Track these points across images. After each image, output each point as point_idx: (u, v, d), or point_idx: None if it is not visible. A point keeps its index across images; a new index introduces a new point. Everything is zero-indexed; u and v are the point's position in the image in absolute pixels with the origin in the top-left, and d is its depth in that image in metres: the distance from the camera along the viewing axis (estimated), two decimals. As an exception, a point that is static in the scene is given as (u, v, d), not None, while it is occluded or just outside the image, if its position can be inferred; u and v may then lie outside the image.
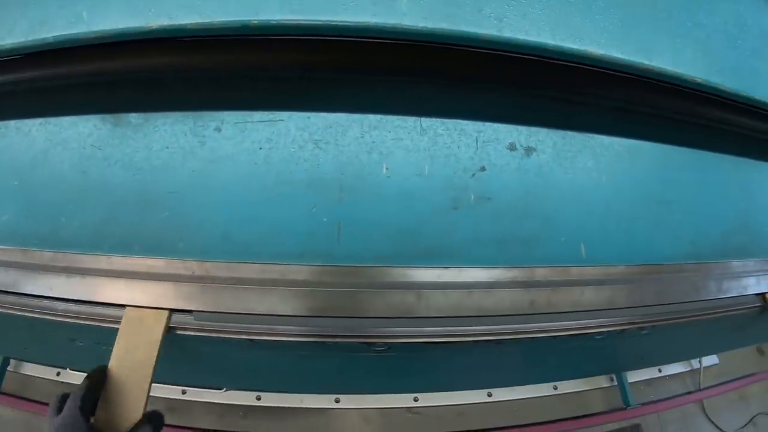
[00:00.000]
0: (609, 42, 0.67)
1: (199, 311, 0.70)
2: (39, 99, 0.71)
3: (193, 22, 0.58)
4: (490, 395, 1.70)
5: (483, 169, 0.75)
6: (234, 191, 0.70)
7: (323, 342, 0.72)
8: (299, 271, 0.71)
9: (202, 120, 0.71)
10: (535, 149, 0.78)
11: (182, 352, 0.80)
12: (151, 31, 0.58)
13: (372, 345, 0.75)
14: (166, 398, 1.34)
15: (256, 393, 1.48)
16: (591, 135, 0.82)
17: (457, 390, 1.65)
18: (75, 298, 0.70)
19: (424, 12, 0.59)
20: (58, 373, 1.29)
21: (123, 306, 0.70)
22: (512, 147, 0.77)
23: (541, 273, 0.78)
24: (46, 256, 0.70)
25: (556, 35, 0.63)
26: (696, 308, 0.89)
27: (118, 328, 0.68)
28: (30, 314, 0.70)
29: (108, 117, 0.72)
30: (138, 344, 0.67)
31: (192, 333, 0.71)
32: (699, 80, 0.73)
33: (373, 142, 0.72)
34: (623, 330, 0.87)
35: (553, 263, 0.79)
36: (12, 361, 1.27)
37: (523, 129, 0.78)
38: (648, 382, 1.92)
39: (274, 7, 0.58)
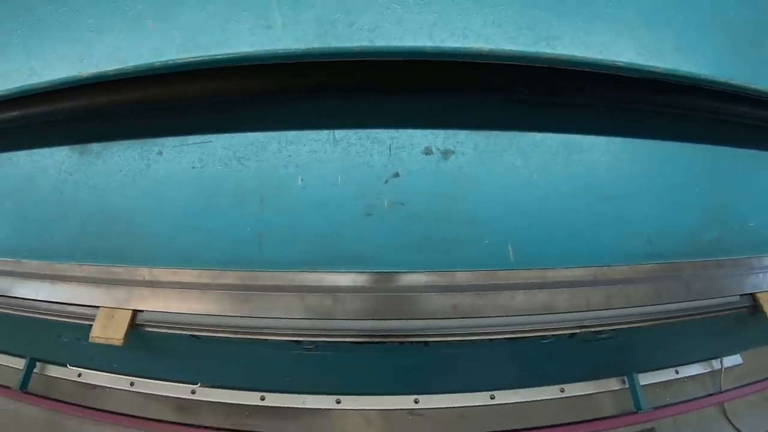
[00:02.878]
0: (500, 36, 0.64)
1: (149, 311, 0.82)
2: (25, 135, 0.87)
3: (113, 68, 0.69)
4: (492, 397, 1.65)
5: (396, 175, 0.77)
6: (174, 206, 0.81)
7: (254, 339, 0.80)
8: (228, 276, 0.79)
9: (147, 145, 0.82)
10: (453, 151, 0.77)
11: (155, 348, 0.94)
12: (82, 79, 0.70)
13: (300, 343, 0.81)
14: (176, 397, 1.49)
15: (261, 393, 1.55)
16: (519, 132, 0.78)
17: (456, 392, 1.63)
18: (57, 300, 0.86)
19: (298, 35, 0.63)
20: (80, 375, 1.51)
21: (96, 306, 0.85)
22: (428, 151, 0.77)
23: (463, 277, 0.77)
24: (33, 265, 0.87)
25: (434, 37, 0.63)
26: (658, 312, 0.80)
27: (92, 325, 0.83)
28: (22, 314, 0.88)
29: (76, 147, 0.86)
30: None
31: (151, 330, 0.84)
32: (621, 64, 0.67)
33: (290, 155, 0.78)
34: (573, 334, 0.82)
35: (478, 267, 0.77)
36: (38, 364, 1.51)
37: (440, 132, 0.77)
38: (665, 384, 1.73)
39: (171, 49, 0.66)
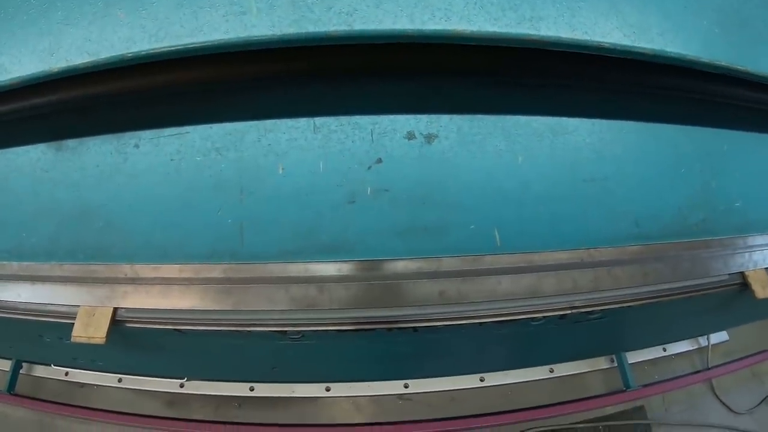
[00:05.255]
0: (483, 17, 0.63)
1: (131, 308, 0.80)
2: None
3: (84, 61, 0.66)
4: (482, 380, 1.66)
5: (379, 161, 0.75)
6: (152, 200, 0.79)
7: (239, 331, 0.79)
8: (211, 270, 0.78)
9: (124, 139, 0.80)
10: (437, 136, 0.76)
11: (139, 345, 0.92)
12: (53, 73, 0.67)
13: (286, 333, 0.80)
14: (165, 392, 1.48)
15: (250, 384, 1.56)
16: (503, 116, 0.77)
17: (445, 376, 1.64)
18: (37, 301, 0.84)
19: (273, 20, 0.61)
20: (66, 374, 1.48)
21: (77, 306, 0.83)
22: (411, 136, 0.76)
23: (449, 263, 0.77)
24: (14, 266, 0.84)
25: (415, 19, 0.61)
26: (645, 293, 0.81)
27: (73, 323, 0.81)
28: (4, 316, 0.85)
29: (52, 144, 0.84)
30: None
31: (133, 326, 0.82)
32: (606, 45, 0.66)
33: (269, 144, 0.76)
34: (563, 316, 0.82)
35: (463, 252, 0.77)
36: (24, 365, 1.47)
37: (422, 117, 0.76)
38: (652, 362, 1.76)
39: (143, 39, 0.64)
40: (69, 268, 0.82)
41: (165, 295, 0.80)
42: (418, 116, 0.76)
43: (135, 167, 0.79)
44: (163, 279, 0.80)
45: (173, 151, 0.78)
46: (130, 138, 0.80)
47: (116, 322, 0.82)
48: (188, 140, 0.78)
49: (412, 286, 0.76)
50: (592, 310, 0.82)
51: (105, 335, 0.79)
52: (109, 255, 0.81)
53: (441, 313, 0.77)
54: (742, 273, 0.88)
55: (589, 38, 0.65)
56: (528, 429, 1.66)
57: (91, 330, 0.81)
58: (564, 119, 0.79)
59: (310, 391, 1.64)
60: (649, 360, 1.74)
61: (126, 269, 0.81)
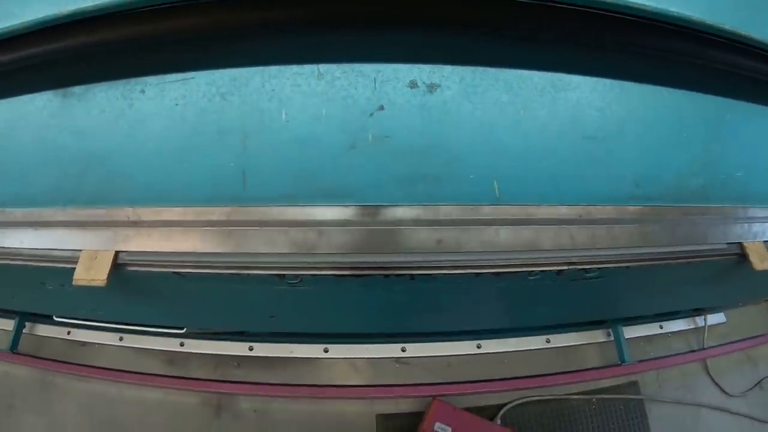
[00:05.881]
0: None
1: (132, 251, 0.81)
2: (4, 82, 0.85)
3: (92, 3, 0.67)
4: (479, 347, 1.68)
5: (381, 108, 0.76)
6: (156, 144, 0.80)
7: (239, 275, 0.80)
8: (212, 213, 0.79)
9: (130, 85, 0.81)
10: (439, 85, 0.77)
11: (139, 290, 0.94)
12: (62, 17, 0.68)
13: (284, 277, 0.81)
14: (165, 350, 1.51)
15: (249, 344, 1.59)
16: (506, 69, 0.78)
17: (442, 340, 1.66)
18: (41, 247, 0.85)
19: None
20: (69, 333, 1.51)
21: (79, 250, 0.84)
22: (413, 84, 0.76)
23: (447, 211, 0.77)
24: (17, 213, 0.85)
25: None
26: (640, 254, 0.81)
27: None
28: (7, 263, 0.86)
29: (58, 91, 0.85)
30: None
31: (134, 269, 0.83)
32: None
33: (273, 90, 0.77)
34: (560, 271, 0.83)
35: (462, 201, 0.78)
36: (27, 324, 1.50)
37: (425, 67, 0.77)
38: (648, 338, 1.79)
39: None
40: (71, 213, 0.83)
41: (167, 238, 0.81)
42: (421, 66, 0.77)
43: (140, 112, 0.80)
44: (165, 222, 0.81)
45: (178, 96, 0.79)
46: (136, 84, 0.81)
47: (117, 266, 0.83)
48: (193, 85, 0.78)
49: (410, 233, 0.77)
50: (590, 268, 0.83)
51: (106, 278, 0.80)
52: (112, 199, 0.83)
53: (438, 261, 0.78)
54: (740, 243, 0.88)
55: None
56: (522, 397, 1.68)
57: (93, 273, 0.82)
58: (566, 76, 0.79)
59: (308, 351, 1.67)
60: (645, 336, 1.76)
61: (128, 212, 0.82)
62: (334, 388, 1.63)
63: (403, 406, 1.67)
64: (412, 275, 0.79)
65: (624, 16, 0.71)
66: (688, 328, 1.79)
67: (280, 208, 0.77)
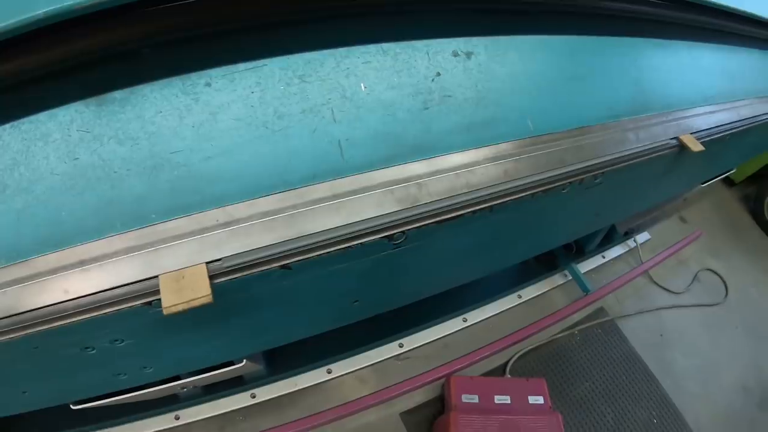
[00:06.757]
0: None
1: (231, 255, 0.75)
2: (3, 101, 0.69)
3: None
4: (465, 320, 1.86)
5: (438, 74, 0.91)
6: (237, 133, 0.77)
7: (350, 247, 0.82)
8: (316, 190, 0.80)
9: (189, 80, 0.77)
10: (473, 53, 0.96)
11: (226, 308, 0.84)
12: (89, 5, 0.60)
13: (391, 239, 0.86)
14: (159, 430, 1.31)
15: (250, 392, 1.49)
16: (512, 36, 1.01)
17: (435, 323, 1.80)
18: (98, 290, 0.69)
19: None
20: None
21: (155, 277, 0.71)
22: (455, 53, 0.94)
23: (503, 148, 0.95)
24: (51, 259, 0.69)
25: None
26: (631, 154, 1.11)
27: (153, 300, 0.71)
28: (45, 327, 0.69)
29: (89, 100, 0.74)
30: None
31: (233, 277, 0.76)
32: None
33: (348, 68, 0.84)
34: (582, 181, 1.07)
35: (510, 138, 0.97)
36: None
37: (460, 40, 0.95)
38: (596, 270, 2.21)
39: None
40: (137, 235, 0.72)
41: (269, 229, 0.77)
42: (456, 39, 0.95)
43: (210, 105, 0.77)
44: (264, 213, 0.78)
45: (252, 83, 0.79)
46: (198, 78, 0.78)
47: (212, 278, 0.75)
48: (266, 72, 0.80)
49: (484, 170, 0.92)
50: (600, 172, 1.08)
51: (210, 292, 0.72)
52: (188, 206, 0.75)
53: (506, 189, 0.94)
54: (677, 137, 1.21)
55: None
56: (518, 351, 1.92)
57: (190, 293, 0.71)
58: (549, 37, 1.07)
59: (312, 378, 1.63)
60: (593, 269, 2.17)
61: (216, 215, 0.76)
62: (351, 404, 1.61)
63: (419, 397, 1.74)
64: (490, 207, 0.94)
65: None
66: (624, 252, 2.25)
67: (381, 171, 0.84)
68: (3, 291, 0.70)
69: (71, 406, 1.04)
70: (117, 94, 0.75)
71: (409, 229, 0.86)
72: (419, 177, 0.86)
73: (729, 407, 1.97)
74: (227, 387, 1.49)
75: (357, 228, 0.81)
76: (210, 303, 0.71)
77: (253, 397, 1.55)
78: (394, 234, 0.85)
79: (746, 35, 1.43)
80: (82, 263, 0.72)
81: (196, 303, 0.71)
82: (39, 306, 0.71)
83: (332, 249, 0.81)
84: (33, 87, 0.72)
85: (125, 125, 0.74)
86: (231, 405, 1.51)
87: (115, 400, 1.02)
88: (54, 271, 0.71)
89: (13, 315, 0.71)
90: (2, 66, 0.64)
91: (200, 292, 0.72)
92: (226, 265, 0.76)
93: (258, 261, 0.77)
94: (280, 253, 0.78)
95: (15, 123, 0.73)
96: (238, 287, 0.79)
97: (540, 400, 1.65)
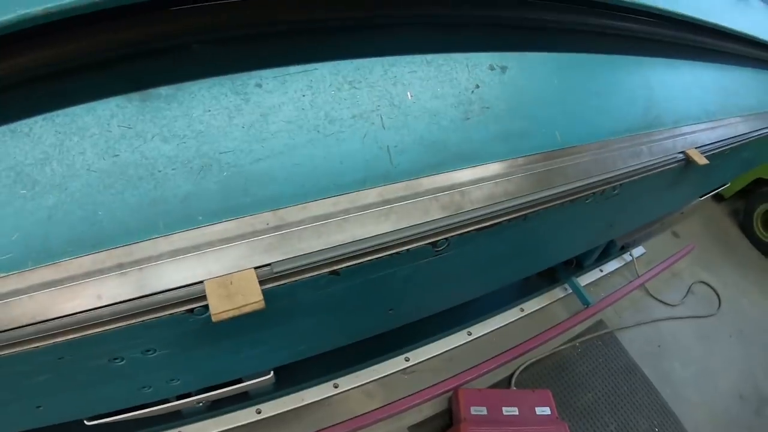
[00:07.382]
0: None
1: (281, 260, 0.72)
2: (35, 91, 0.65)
3: None
4: (470, 333, 1.87)
5: (478, 86, 0.94)
6: (289, 136, 0.76)
7: (396, 254, 0.81)
8: (367, 195, 0.79)
9: (239, 80, 0.76)
10: (507, 67, 0.99)
11: (268, 315, 0.81)
12: None
13: (435, 245, 0.86)
14: None
15: (255, 407, 1.45)
16: (541, 53, 1.06)
17: (441, 336, 1.80)
18: (136, 295, 0.66)
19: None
20: None
21: (199, 282, 0.68)
22: (492, 67, 0.97)
23: (535, 158, 0.99)
24: (84, 261, 0.65)
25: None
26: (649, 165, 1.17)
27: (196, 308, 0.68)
28: (74, 336, 0.65)
29: (132, 95, 0.71)
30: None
31: (282, 282, 0.74)
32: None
33: (395, 76, 0.85)
34: (603, 191, 1.11)
35: (542, 149, 1.00)
36: None
37: (495, 54, 0.98)
38: (595, 283, 2.28)
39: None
40: (183, 237, 0.69)
41: (319, 234, 0.76)
42: (492, 53, 0.98)
43: (261, 106, 0.76)
44: (315, 217, 0.76)
45: (303, 86, 0.79)
46: (248, 78, 0.76)
47: (262, 283, 0.72)
48: (318, 76, 0.80)
49: (520, 179, 0.94)
50: (617, 184, 1.12)
51: (262, 297, 0.69)
52: (237, 208, 0.73)
53: (540, 198, 0.97)
54: (684, 152, 1.27)
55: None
56: (522, 363, 1.94)
57: (240, 298, 0.68)
58: (577, 54, 1.12)
59: (319, 393, 1.60)
60: (591, 282, 2.22)
61: (267, 218, 0.74)
62: (360, 418, 1.57)
63: (426, 411, 1.72)
64: (525, 215, 0.96)
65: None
66: (620, 265, 2.33)
67: (429, 177, 0.84)
68: (30, 296, 0.65)
69: (85, 422, 0.95)
70: (162, 90, 0.73)
71: (452, 236, 0.86)
72: (462, 185, 0.87)
73: (727, 414, 2.04)
74: (232, 402, 1.43)
75: (405, 234, 0.81)
76: (262, 309, 0.68)
77: (259, 412, 1.49)
78: (438, 240, 0.85)
79: (740, 54, 1.55)
80: (120, 267, 0.68)
81: (248, 309, 0.68)
82: (69, 313, 0.66)
83: (381, 255, 0.80)
84: (68, 78, 0.68)
85: (171, 123, 0.72)
86: (236, 421, 1.45)
87: (132, 415, 0.94)
88: (88, 275, 0.67)
89: (39, 322, 0.66)
90: (36, 54, 0.61)
91: (251, 297, 0.69)
92: (275, 270, 0.73)
93: (308, 266, 0.75)
94: (330, 258, 0.77)
95: (47, 115, 0.68)
96: (284, 293, 0.76)
97: (547, 410, 1.66)
